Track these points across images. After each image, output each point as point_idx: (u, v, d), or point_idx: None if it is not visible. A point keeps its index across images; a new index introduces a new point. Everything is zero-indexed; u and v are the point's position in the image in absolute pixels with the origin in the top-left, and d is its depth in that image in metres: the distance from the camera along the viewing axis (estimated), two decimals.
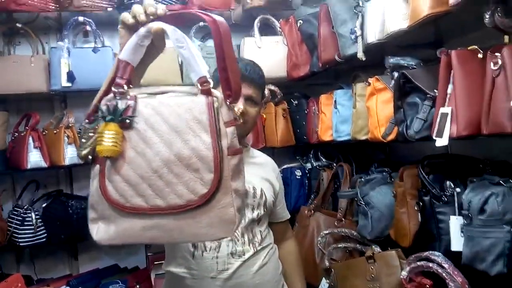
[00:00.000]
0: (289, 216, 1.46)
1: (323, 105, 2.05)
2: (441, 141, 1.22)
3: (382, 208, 1.56)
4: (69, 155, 2.02)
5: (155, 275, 2.08)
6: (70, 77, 1.95)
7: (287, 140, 2.31)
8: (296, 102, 2.33)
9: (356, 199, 1.70)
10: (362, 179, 1.70)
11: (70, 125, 2.01)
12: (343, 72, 2.13)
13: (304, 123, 2.26)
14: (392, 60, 1.42)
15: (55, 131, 2.04)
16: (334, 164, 2.16)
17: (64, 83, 1.97)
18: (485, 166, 1.32)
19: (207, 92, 0.74)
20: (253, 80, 1.25)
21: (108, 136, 0.74)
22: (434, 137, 1.24)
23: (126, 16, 0.76)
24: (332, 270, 1.62)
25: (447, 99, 1.22)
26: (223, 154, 0.73)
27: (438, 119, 1.23)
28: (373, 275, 1.45)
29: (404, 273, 1.28)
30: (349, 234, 1.74)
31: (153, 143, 0.73)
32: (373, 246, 1.59)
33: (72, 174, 2.36)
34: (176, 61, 2.15)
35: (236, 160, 0.75)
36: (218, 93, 0.73)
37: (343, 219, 1.84)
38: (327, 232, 1.81)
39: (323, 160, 2.26)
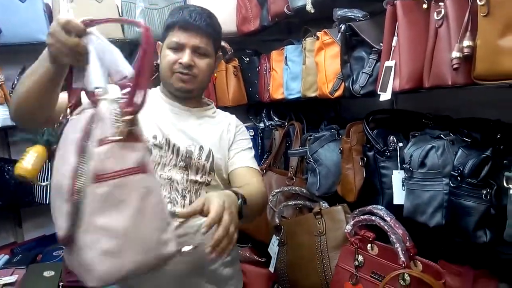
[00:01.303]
0: (253, 166, 1.26)
1: (274, 61, 1.99)
2: (385, 96, 1.20)
3: (330, 164, 1.56)
4: (1, 116, 1.86)
5: None
6: None
7: (239, 99, 2.25)
8: (247, 59, 2.25)
9: (305, 157, 1.69)
10: (312, 137, 1.69)
11: (0, 83, 1.84)
12: (295, 27, 2.06)
13: (256, 81, 2.20)
14: (339, 13, 1.37)
15: None
16: (286, 123, 2.13)
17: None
18: (427, 121, 1.33)
19: (94, 104, 0.66)
20: (200, 28, 1.17)
21: (29, 156, 0.69)
22: (378, 92, 1.22)
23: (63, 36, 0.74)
24: (282, 227, 1.63)
25: (391, 52, 1.20)
26: (83, 182, 0.59)
27: (382, 73, 1.21)
28: (320, 230, 1.46)
29: (348, 227, 1.30)
30: (298, 191, 1.75)
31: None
32: (321, 202, 1.61)
33: (8, 137, 2.19)
34: (116, 12, 2.00)
35: (106, 189, 0.60)
36: (106, 105, 0.64)
37: (293, 177, 1.83)
38: (278, 190, 1.81)
39: (276, 119, 2.23)
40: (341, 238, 1.41)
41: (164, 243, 0.70)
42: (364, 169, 1.37)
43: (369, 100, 1.37)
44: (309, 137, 1.74)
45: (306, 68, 1.66)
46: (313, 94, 1.64)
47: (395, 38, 1.18)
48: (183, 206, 1.14)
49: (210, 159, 1.20)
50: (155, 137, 1.17)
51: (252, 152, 1.32)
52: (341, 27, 1.34)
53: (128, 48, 2.16)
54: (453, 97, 1.34)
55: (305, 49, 1.66)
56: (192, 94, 1.24)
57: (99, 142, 0.60)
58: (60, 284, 1.38)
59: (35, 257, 1.85)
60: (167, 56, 1.18)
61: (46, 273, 1.43)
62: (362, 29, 1.31)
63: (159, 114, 1.21)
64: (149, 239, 0.67)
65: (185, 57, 1.16)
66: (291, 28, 2.25)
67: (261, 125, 2.29)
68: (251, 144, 1.34)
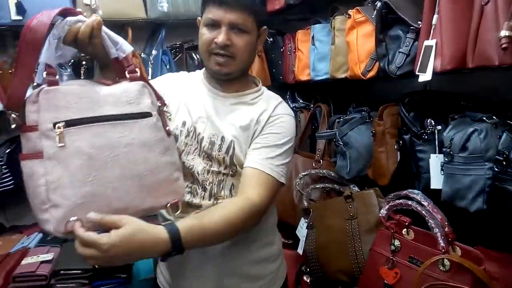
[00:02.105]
0: (264, 170, 1.06)
1: (300, 41, 1.94)
2: (424, 77, 1.15)
3: (360, 148, 1.53)
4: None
5: None
6: (20, 8, 1.73)
7: (263, 80, 2.12)
8: (271, 39, 2.20)
9: (334, 139, 1.66)
10: (341, 119, 1.65)
11: None
12: (321, 6, 1.99)
13: (280, 62, 2.16)
14: None
15: (10, 71, 1.86)
16: (312, 105, 2.09)
17: (14, 16, 1.75)
18: (467, 103, 1.28)
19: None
20: (236, 1, 1.04)
21: None
22: (416, 73, 1.17)
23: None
24: (311, 210, 1.61)
25: (431, 31, 1.15)
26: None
27: (421, 53, 1.16)
28: (351, 214, 1.44)
29: (383, 211, 1.27)
30: (327, 174, 1.72)
31: None
32: (351, 186, 1.58)
33: None
34: None
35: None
36: None
37: (321, 160, 1.81)
38: (305, 173, 1.79)
39: (301, 101, 2.19)
40: (373, 222, 1.39)
41: (42, 223, 0.78)
42: (398, 153, 1.34)
43: (398, 82, 1.32)
44: (337, 120, 1.71)
45: (335, 48, 1.61)
46: (342, 75, 1.60)
47: (435, 16, 1.13)
48: (203, 198, 1.10)
49: (230, 152, 1.09)
50: (184, 124, 1.12)
51: (277, 151, 1.09)
52: (376, 5, 1.29)
53: (151, 27, 2.14)
54: (489, 77, 1.29)
55: (334, 28, 1.61)
56: (231, 76, 1.12)
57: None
58: None
59: None
60: (203, 35, 1.09)
61: None
62: (399, 6, 1.25)
63: (194, 98, 1.15)
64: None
65: (221, 35, 1.05)
66: (316, 7, 2.18)
67: None
68: (283, 139, 1.11)
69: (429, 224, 1.16)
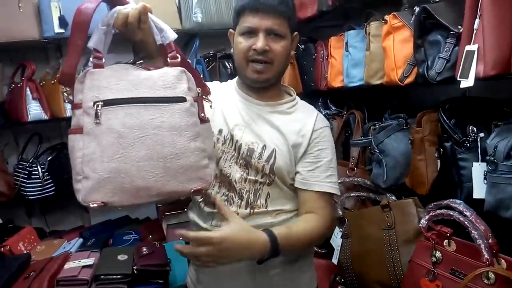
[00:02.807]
0: (321, 189, 1.10)
1: (332, 48, 1.92)
2: (466, 83, 1.12)
3: (397, 155, 1.50)
4: (70, 106, 1.94)
5: (167, 225, 2.07)
6: (63, 22, 1.82)
7: (294, 87, 2.07)
8: (303, 46, 2.19)
9: (369, 147, 1.63)
10: (376, 126, 1.62)
11: None
12: (353, 12, 1.98)
13: (311, 69, 2.14)
14: None
15: (52, 82, 1.95)
16: (344, 112, 2.07)
17: (57, 29, 1.84)
18: (511, 109, 1.23)
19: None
20: (272, 7, 1.06)
21: None
22: (458, 78, 1.14)
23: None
24: (346, 219, 1.59)
25: (473, 36, 1.11)
26: None
27: (462, 58, 1.13)
28: (388, 224, 1.41)
29: (423, 221, 1.24)
30: (361, 183, 1.70)
31: None
32: (388, 195, 1.55)
33: None
34: (174, 2, 2.02)
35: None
36: None
37: (355, 168, 1.78)
38: (339, 181, 1.75)
39: (333, 108, 2.17)
40: (412, 233, 1.35)
41: (76, 192, 0.83)
42: (438, 161, 1.30)
43: (435, 88, 1.28)
44: (372, 127, 1.68)
45: (371, 54, 1.59)
46: (378, 82, 1.57)
47: (477, 20, 1.09)
48: (239, 207, 1.10)
49: (271, 160, 1.09)
50: (220, 132, 1.13)
51: (329, 167, 1.12)
52: (415, 10, 1.26)
53: (185, 38, 2.19)
54: None
55: (369, 34, 1.59)
56: (268, 83, 1.14)
57: None
58: (134, 267, 1.42)
59: (107, 241, 1.94)
60: (239, 44, 1.10)
61: (120, 257, 1.48)
62: (438, 11, 1.22)
63: (229, 107, 1.16)
64: None
65: (259, 42, 1.06)
66: (347, 14, 2.17)
67: None
68: (331, 155, 1.14)
69: (472, 235, 1.12)
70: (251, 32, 1.09)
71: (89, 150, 0.81)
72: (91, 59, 0.86)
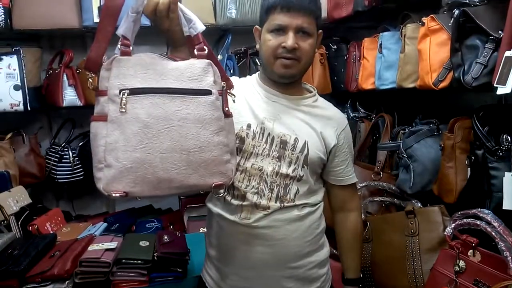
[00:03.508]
0: (353, 181, 1.28)
1: (366, 49, 1.90)
2: (504, 89, 1.08)
3: (426, 161, 1.46)
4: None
5: (188, 217, 2.10)
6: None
7: (324, 87, 2.18)
8: (335, 47, 2.18)
9: (397, 151, 1.60)
10: (406, 131, 1.59)
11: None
12: (389, 13, 1.94)
13: (342, 70, 2.12)
14: None
15: None
16: (373, 115, 2.03)
17: (96, 18, 1.89)
18: None
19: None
20: (303, 6, 1.08)
21: None
22: (495, 85, 1.10)
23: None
24: (368, 223, 1.56)
25: None
26: None
27: (501, 64, 1.09)
28: (412, 231, 1.38)
29: (448, 229, 1.20)
30: (386, 188, 1.66)
31: None
32: (413, 201, 1.51)
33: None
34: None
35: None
36: None
37: (381, 172, 1.75)
38: (363, 185, 1.74)
39: (362, 110, 2.14)
40: (436, 241, 1.32)
41: (96, 180, 0.83)
42: (469, 169, 1.26)
43: (469, 94, 1.24)
44: (402, 131, 1.65)
45: (405, 57, 1.56)
46: (411, 85, 1.54)
47: None
48: (269, 199, 1.12)
49: (305, 151, 1.13)
50: (249, 126, 1.14)
51: (352, 162, 1.29)
52: (454, 12, 1.23)
53: (218, 33, 2.20)
54: None
55: (404, 36, 1.56)
56: (294, 79, 1.17)
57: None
58: (155, 254, 1.44)
59: (130, 227, 1.98)
60: (268, 41, 1.11)
61: (142, 243, 1.50)
62: (478, 15, 1.19)
63: (254, 102, 1.17)
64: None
65: (289, 40, 1.08)
66: (382, 15, 2.13)
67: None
68: (352, 149, 1.30)
69: (499, 246, 1.08)
70: (280, 30, 1.11)
71: (112, 138, 0.81)
72: (118, 46, 0.86)
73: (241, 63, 2.13)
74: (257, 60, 2.07)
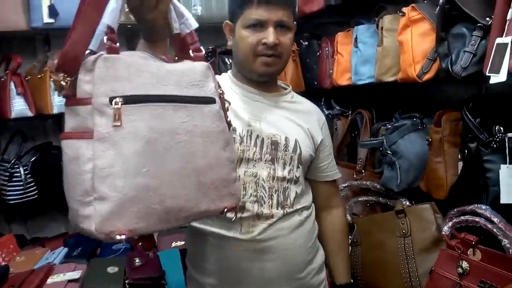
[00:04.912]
0: (338, 176, 1.25)
1: (339, 44, 1.83)
2: (497, 78, 1.02)
3: (412, 157, 1.40)
4: (57, 102, 1.79)
5: (158, 232, 1.94)
6: (52, 11, 1.68)
7: (296, 85, 2.08)
8: (306, 43, 2.10)
9: (381, 148, 1.53)
10: (388, 126, 1.53)
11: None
12: (362, 7, 1.89)
13: (315, 66, 2.05)
14: None
15: (39, 76, 1.81)
16: (349, 112, 1.97)
17: (46, 18, 1.70)
18: None
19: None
20: None
21: None
22: (487, 74, 1.05)
23: None
24: (355, 225, 1.48)
25: (505, 28, 1.03)
26: None
27: (492, 52, 1.04)
28: (404, 231, 1.31)
29: (446, 229, 1.15)
30: (370, 186, 1.59)
31: None
32: (401, 199, 1.45)
33: (62, 125, 2.15)
34: None
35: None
36: None
37: (363, 171, 1.68)
38: (345, 185, 1.66)
39: (337, 107, 2.07)
40: (429, 240, 1.25)
41: (82, 220, 0.63)
42: (460, 163, 1.21)
43: (452, 86, 1.20)
44: (383, 127, 1.58)
45: (383, 50, 1.49)
46: (391, 79, 1.47)
47: (510, 10, 1.01)
48: (271, 207, 1.02)
49: (298, 151, 1.07)
50: (234, 130, 1.01)
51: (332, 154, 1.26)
52: (439, 0, 1.17)
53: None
54: None
55: (382, 28, 1.50)
56: (274, 76, 1.11)
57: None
58: (126, 281, 1.29)
59: (94, 251, 1.78)
60: (246, 38, 1.02)
61: (110, 269, 1.34)
62: (464, 2, 1.13)
63: (234, 103, 1.03)
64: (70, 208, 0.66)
65: (270, 36, 1.00)
66: (356, 9, 2.07)
67: None
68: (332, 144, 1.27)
69: (504, 243, 1.03)
70: (258, 25, 1.02)
71: (105, 162, 0.62)
72: (104, 40, 0.67)
73: (209, 62, 2.00)
74: (226, 59, 1.96)
